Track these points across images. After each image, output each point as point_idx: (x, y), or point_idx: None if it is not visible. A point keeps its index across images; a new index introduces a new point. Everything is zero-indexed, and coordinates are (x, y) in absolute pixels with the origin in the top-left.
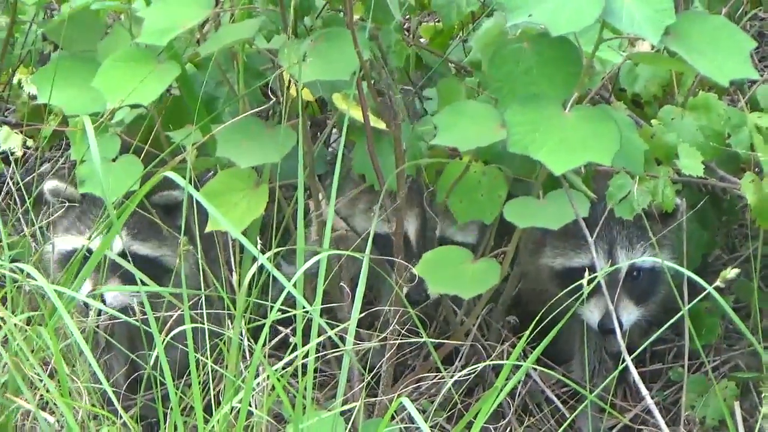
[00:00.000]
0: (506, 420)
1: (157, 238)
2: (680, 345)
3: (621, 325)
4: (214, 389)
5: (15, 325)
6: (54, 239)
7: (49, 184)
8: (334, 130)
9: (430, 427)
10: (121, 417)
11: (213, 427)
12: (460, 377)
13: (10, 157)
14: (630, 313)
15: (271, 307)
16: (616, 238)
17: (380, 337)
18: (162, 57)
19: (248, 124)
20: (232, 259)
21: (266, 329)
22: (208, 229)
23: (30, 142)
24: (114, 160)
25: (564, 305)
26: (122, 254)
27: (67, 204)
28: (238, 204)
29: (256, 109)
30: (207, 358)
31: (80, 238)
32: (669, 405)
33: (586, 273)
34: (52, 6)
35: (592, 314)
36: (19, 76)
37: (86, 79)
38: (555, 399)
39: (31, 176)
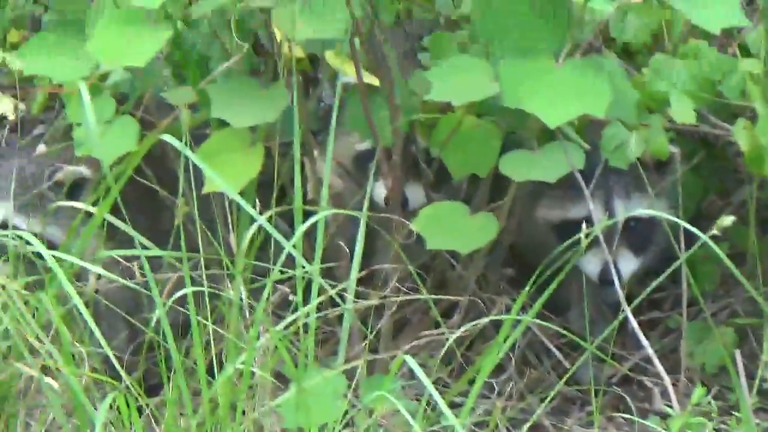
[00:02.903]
0: (507, 373)
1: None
2: (678, 293)
3: (620, 276)
4: (216, 351)
5: (15, 291)
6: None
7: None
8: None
9: (432, 382)
10: (124, 381)
11: (216, 388)
12: (462, 333)
13: (4, 122)
14: (629, 264)
15: (271, 268)
16: (613, 188)
17: (380, 296)
18: (154, 18)
19: (242, 84)
20: (230, 220)
21: (268, 289)
22: (205, 191)
23: (22, 106)
24: (109, 122)
25: (561, 257)
26: None
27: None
28: (234, 164)
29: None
30: (208, 321)
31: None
32: (668, 353)
33: (584, 225)
34: None
35: (591, 265)
36: (10, 39)
37: (74, 46)
38: (556, 351)
39: (25, 139)
